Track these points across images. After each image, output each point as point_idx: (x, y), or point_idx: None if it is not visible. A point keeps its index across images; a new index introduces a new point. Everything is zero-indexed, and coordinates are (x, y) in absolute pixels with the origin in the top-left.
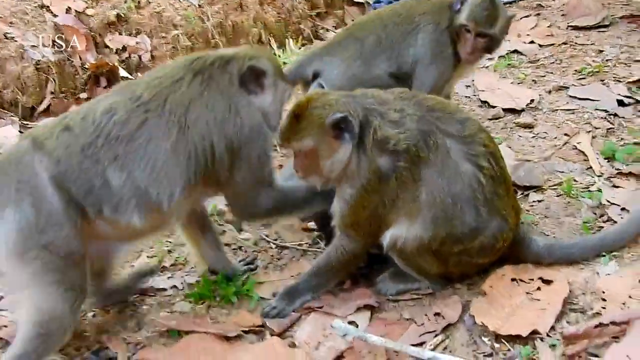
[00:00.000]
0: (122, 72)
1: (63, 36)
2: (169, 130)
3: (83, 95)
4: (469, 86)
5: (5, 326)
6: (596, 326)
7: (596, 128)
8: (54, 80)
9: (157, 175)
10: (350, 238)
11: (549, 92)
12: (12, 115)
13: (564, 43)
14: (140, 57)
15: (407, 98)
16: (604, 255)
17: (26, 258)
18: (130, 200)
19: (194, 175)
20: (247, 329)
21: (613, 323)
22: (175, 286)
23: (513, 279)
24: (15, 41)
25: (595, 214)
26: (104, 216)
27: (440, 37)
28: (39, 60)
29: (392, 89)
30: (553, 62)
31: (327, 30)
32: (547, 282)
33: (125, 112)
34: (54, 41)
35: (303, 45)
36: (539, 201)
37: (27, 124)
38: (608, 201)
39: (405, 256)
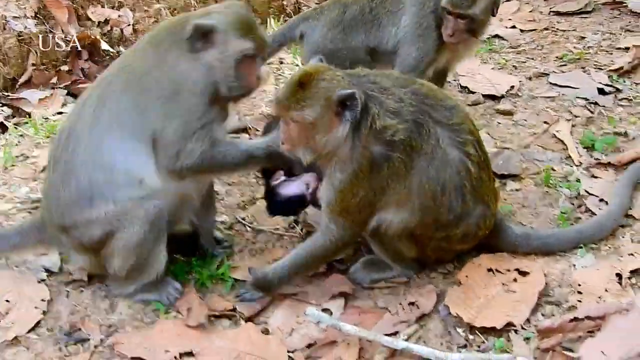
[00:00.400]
0: (104, 45)
1: (45, 8)
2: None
3: (64, 67)
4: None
5: None
6: (571, 320)
7: (576, 116)
8: (36, 52)
9: None
10: (339, 225)
11: (530, 78)
12: None
13: (546, 29)
14: (122, 30)
15: (405, 85)
16: (581, 247)
17: None
18: None
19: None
20: (219, 314)
21: (588, 318)
22: None
23: (489, 269)
24: None
25: (573, 204)
26: None
27: (423, 20)
28: (21, 32)
29: (389, 71)
30: (534, 48)
31: (309, 7)
32: (523, 273)
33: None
34: (36, 13)
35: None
36: (517, 190)
37: (9, 95)
38: (586, 191)
39: (386, 240)
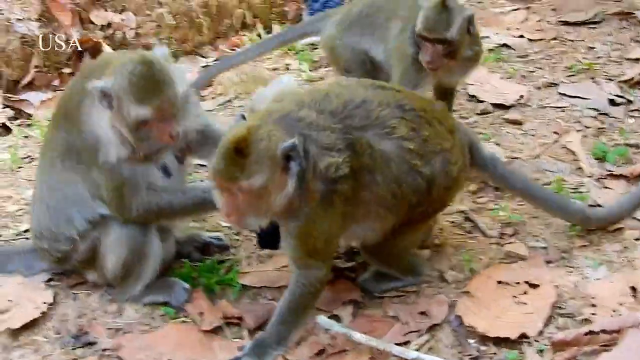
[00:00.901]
0: (107, 48)
1: (49, 11)
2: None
3: (66, 70)
4: None
5: None
6: (586, 333)
7: (587, 127)
8: (39, 55)
9: None
10: (310, 268)
11: (539, 88)
12: None
13: (554, 38)
14: (124, 33)
15: (323, 105)
16: (593, 260)
17: None
18: None
19: None
20: (227, 321)
21: (604, 331)
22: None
23: (499, 282)
24: (2, 14)
25: None
26: None
27: (402, 45)
28: (24, 34)
29: (307, 88)
30: (543, 58)
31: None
32: (534, 285)
33: None
34: (40, 15)
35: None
36: None
37: (11, 97)
38: (598, 203)
39: (379, 250)
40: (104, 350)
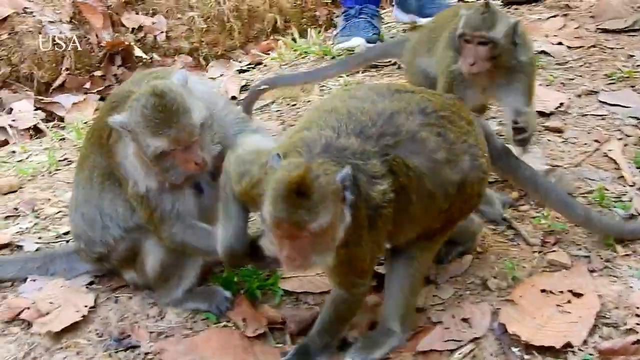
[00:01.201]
0: (138, 52)
1: (81, 13)
2: None
3: (98, 73)
4: None
5: (28, 308)
6: (634, 342)
7: (628, 136)
8: (70, 57)
9: None
10: (356, 286)
11: (579, 96)
12: (27, 90)
13: (593, 46)
14: (155, 37)
15: (357, 127)
16: (637, 269)
17: None
18: None
19: None
20: (269, 327)
21: None
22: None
23: (543, 290)
24: (34, 16)
25: None
26: None
27: (445, 56)
28: (56, 37)
29: (316, 105)
30: (582, 65)
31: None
32: (577, 294)
33: None
34: (71, 18)
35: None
36: None
37: (42, 99)
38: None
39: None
40: (147, 354)
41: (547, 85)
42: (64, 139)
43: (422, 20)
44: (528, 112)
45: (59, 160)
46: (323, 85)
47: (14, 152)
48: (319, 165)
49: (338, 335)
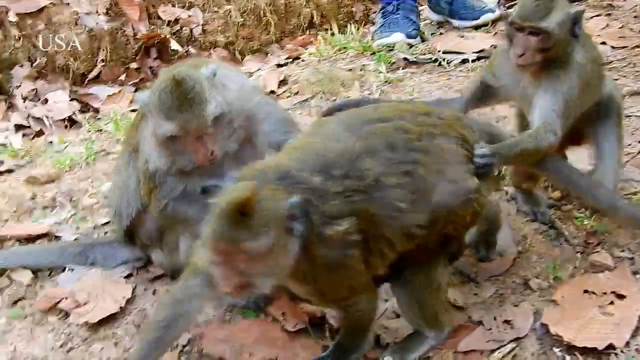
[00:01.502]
0: (174, 45)
1: (117, 5)
2: None
3: (133, 65)
4: None
5: (66, 298)
6: None
7: None
8: (106, 49)
9: None
10: (352, 305)
11: (623, 96)
12: (63, 80)
13: (637, 46)
14: (191, 30)
15: (321, 165)
16: None
17: None
18: None
19: None
20: (309, 322)
21: None
22: None
23: (585, 291)
24: (70, 7)
25: None
26: None
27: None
28: (92, 28)
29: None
30: (626, 66)
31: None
32: (620, 296)
33: None
34: (107, 9)
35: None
36: None
37: (78, 90)
38: None
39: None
40: (184, 346)
41: None
42: (101, 130)
43: (454, 22)
44: (538, 127)
45: (97, 152)
46: (363, 82)
47: (51, 142)
48: (269, 190)
49: (363, 339)
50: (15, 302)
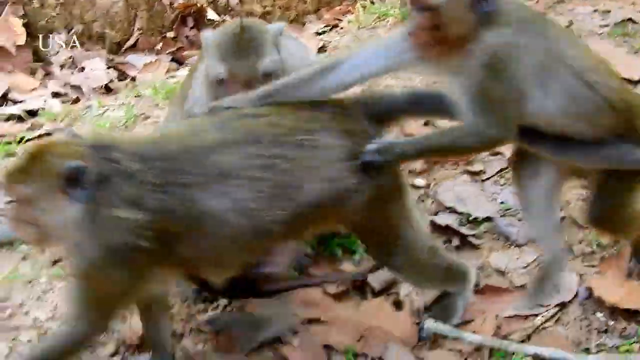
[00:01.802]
0: (210, 14)
1: None
2: None
3: (170, 34)
4: None
5: None
6: None
7: None
8: (142, 17)
9: None
10: (76, 325)
11: None
12: (99, 49)
13: None
14: (228, 0)
15: (150, 151)
16: None
17: None
18: None
19: None
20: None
21: None
22: None
23: (631, 259)
24: None
25: None
26: None
27: None
28: None
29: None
30: None
31: None
32: None
33: None
34: None
35: None
36: None
37: (114, 59)
38: None
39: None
40: (225, 307)
41: (635, 53)
42: (139, 95)
43: None
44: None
45: (136, 115)
46: None
47: (89, 107)
48: (66, 149)
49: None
50: (54, 262)
